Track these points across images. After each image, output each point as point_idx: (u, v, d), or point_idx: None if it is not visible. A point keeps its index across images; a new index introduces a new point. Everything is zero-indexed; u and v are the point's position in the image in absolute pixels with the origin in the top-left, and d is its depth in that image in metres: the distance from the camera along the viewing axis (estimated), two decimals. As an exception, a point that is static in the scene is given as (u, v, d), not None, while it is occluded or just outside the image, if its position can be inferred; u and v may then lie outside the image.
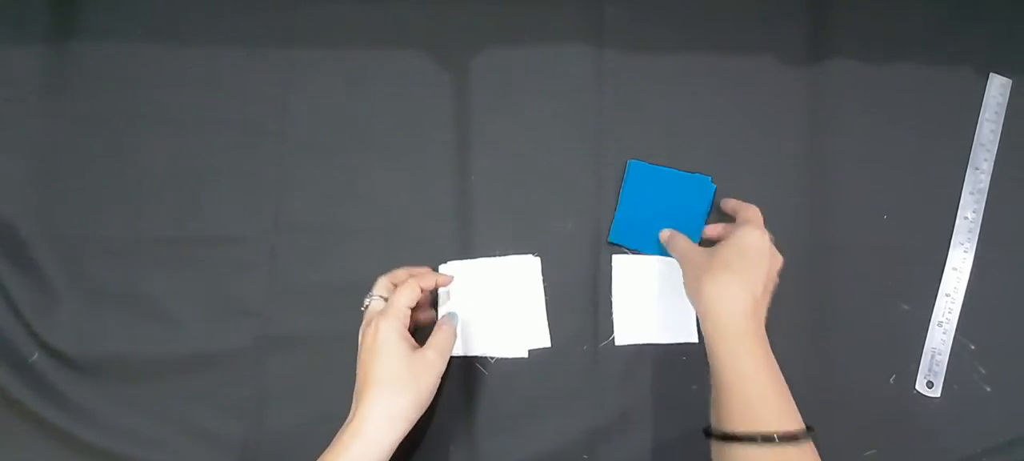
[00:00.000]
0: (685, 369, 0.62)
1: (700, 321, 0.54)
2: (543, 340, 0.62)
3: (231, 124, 0.66)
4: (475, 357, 0.62)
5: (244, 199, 0.65)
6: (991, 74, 0.68)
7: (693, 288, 0.56)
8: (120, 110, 0.67)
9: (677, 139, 0.66)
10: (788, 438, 0.49)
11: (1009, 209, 0.65)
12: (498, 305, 0.62)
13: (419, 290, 0.56)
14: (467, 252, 0.64)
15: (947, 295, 0.63)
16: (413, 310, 0.56)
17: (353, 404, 0.53)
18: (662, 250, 0.63)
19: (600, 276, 0.63)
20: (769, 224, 0.64)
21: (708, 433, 0.52)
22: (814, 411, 0.61)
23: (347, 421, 0.52)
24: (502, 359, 0.62)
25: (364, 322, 0.56)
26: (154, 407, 0.61)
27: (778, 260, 0.57)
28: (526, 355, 0.62)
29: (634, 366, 0.62)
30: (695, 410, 0.61)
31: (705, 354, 0.62)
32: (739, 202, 0.62)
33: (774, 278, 0.56)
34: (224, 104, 0.67)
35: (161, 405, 0.61)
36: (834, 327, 0.63)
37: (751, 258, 0.55)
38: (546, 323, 0.62)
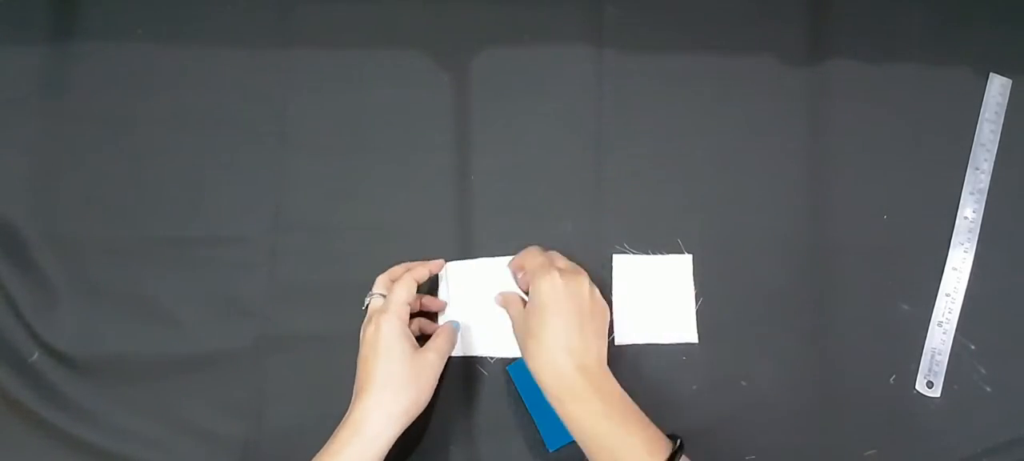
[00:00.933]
0: (685, 369, 0.62)
1: None
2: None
3: (231, 124, 0.66)
4: (475, 357, 0.62)
5: (244, 199, 0.65)
6: (991, 74, 0.68)
7: (524, 356, 0.55)
8: (120, 110, 0.67)
9: (677, 139, 0.66)
10: None
11: (1009, 209, 0.65)
12: (498, 305, 0.62)
13: (415, 284, 0.57)
14: (467, 252, 0.64)
15: (947, 295, 0.63)
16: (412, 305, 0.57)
17: (352, 401, 0.53)
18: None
19: (600, 276, 0.63)
20: (769, 224, 0.65)
21: None
22: (814, 411, 0.62)
23: (345, 418, 0.52)
24: (502, 359, 0.62)
25: (366, 320, 0.56)
26: (154, 407, 0.61)
27: (582, 280, 0.55)
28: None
29: (634, 366, 0.62)
30: (695, 410, 0.62)
31: (705, 354, 0.62)
32: (518, 256, 0.60)
33: (593, 305, 0.55)
34: (224, 104, 0.67)
35: (161, 405, 0.61)
36: (834, 327, 0.63)
37: (548, 309, 0.53)
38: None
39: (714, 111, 0.67)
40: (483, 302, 0.62)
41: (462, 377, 0.62)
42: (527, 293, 0.59)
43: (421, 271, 0.59)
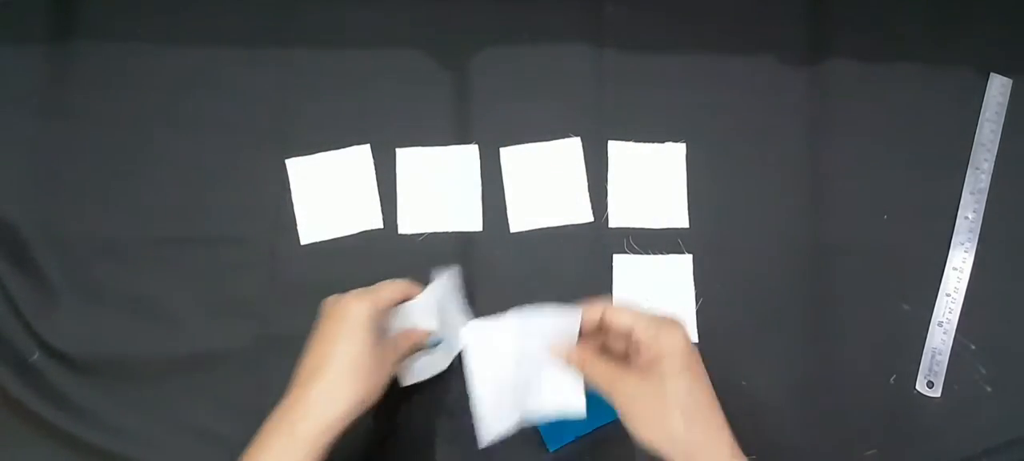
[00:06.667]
0: (685, 369, 0.62)
1: None
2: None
3: (231, 124, 0.66)
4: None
5: (244, 199, 0.65)
6: (991, 74, 0.68)
7: (655, 435, 0.45)
8: (120, 110, 0.66)
9: (676, 138, 0.66)
10: None
11: (1009, 209, 0.65)
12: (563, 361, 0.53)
13: (403, 292, 0.55)
14: (467, 252, 0.64)
15: (948, 295, 0.63)
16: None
17: (292, 385, 0.50)
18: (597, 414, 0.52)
19: (600, 276, 0.63)
20: (769, 224, 0.65)
21: None
22: (814, 411, 0.62)
23: (281, 404, 0.49)
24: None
25: (334, 298, 0.53)
26: (154, 407, 0.61)
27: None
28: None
29: (634, 366, 0.62)
30: (695, 410, 0.62)
31: (705, 354, 0.62)
32: (595, 310, 0.50)
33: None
34: (224, 104, 0.67)
35: (161, 405, 0.61)
36: (834, 327, 0.63)
37: (691, 368, 0.45)
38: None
39: (714, 111, 0.67)
40: (514, 360, 0.54)
41: (462, 377, 0.62)
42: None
43: (414, 290, 0.55)
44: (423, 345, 0.56)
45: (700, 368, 0.47)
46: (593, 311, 0.50)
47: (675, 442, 0.44)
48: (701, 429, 0.45)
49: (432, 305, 0.56)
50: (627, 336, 0.49)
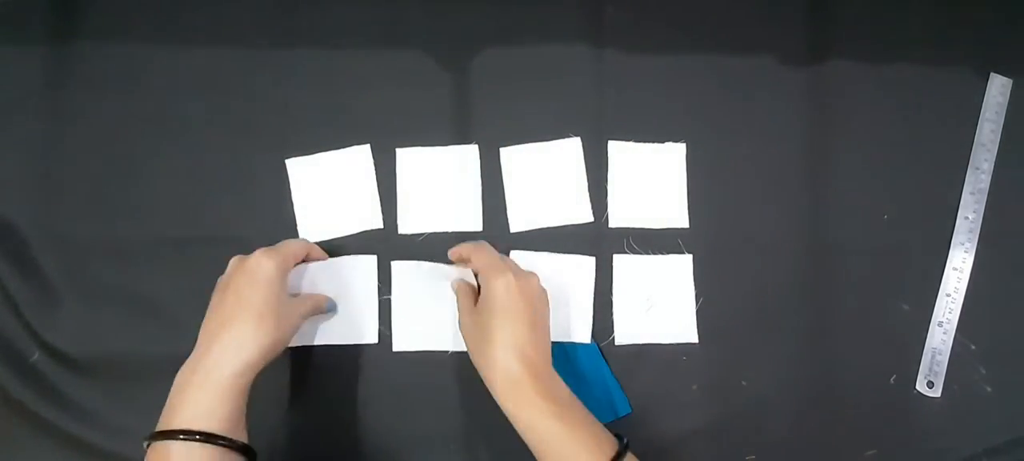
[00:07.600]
0: (685, 369, 0.62)
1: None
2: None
3: (231, 124, 0.66)
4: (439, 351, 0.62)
5: (244, 199, 0.65)
6: (991, 74, 0.68)
7: (474, 356, 0.55)
8: (120, 110, 0.66)
9: (676, 139, 0.66)
10: None
11: (1009, 209, 0.65)
12: (452, 290, 0.62)
13: (307, 248, 0.60)
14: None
15: (948, 295, 0.63)
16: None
17: (213, 333, 0.53)
18: None
19: (600, 276, 0.63)
20: (769, 224, 0.65)
21: None
22: (814, 411, 0.62)
23: (199, 349, 0.53)
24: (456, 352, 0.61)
25: (239, 257, 0.56)
26: (154, 407, 0.61)
27: (534, 281, 0.56)
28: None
29: (634, 366, 0.62)
30: (695, 410, 0.62)
31: (705, 354, 0.62)
32: (464, 247, 0.60)
33: (543, 305, 0.56)
34: (224, 104, 0.67)
35: (161, 405, 0.61)
36: (834, 327, 0.63)
37: (503, 311, 0.53)
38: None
39: (714, 111, 0.67)
40: (426, 299, 0.62)
41: (460, 376, 0.62)
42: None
43: (318, 251, 0.62)
44: (322, 309, 0.61)
45: (518, 309, 0.53)
46: (465, 249, 0.60)
47: (485, 361, 0.53)
48: (503, 354, 0.52)
49: (336, 275, 0.62)
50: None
